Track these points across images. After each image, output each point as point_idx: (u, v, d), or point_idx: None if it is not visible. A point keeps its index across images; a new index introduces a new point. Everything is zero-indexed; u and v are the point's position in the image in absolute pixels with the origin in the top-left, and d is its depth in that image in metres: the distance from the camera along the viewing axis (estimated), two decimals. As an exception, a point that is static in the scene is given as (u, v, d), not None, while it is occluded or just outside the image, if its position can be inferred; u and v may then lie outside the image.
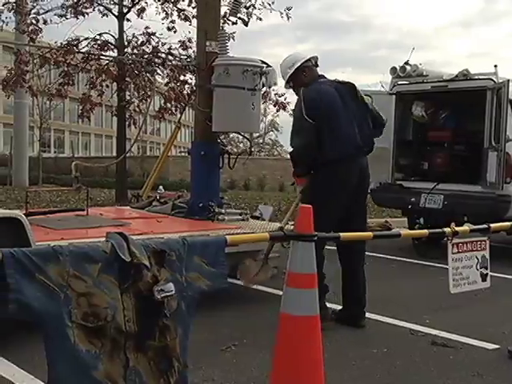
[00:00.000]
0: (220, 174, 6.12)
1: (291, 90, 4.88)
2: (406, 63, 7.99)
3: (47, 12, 12.41)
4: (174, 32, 12.91)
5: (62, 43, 12.32)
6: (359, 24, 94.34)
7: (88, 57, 12.47)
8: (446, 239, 3.42)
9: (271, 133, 49.88)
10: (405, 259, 7.52)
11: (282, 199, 14.21)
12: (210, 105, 5.85)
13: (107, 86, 13.45)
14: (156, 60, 12.43)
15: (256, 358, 3.67)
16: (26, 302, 1.93)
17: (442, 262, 3.92)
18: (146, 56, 12.69)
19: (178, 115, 11.51)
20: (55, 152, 42.26)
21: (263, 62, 5.77)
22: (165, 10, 12.74)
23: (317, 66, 4.77)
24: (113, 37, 12.83)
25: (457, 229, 3.36)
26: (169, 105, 13.52)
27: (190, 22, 12.40)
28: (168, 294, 2.19)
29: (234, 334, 4.16)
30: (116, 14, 12.92)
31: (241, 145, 36.54)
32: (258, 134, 39.59)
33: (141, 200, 6.78)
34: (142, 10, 12.92)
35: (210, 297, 2.45)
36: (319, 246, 3.31)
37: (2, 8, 11.99)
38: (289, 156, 4.81)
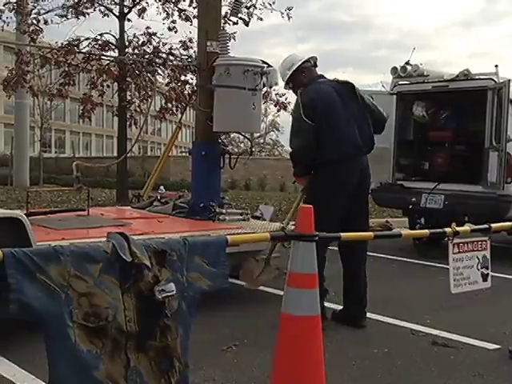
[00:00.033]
0: (221, 174, 6.13)
1: (291, 91, 4.88)
2: (407, 63, 7.99)
3: (48, 12, 12.46)
4: (175, 32, 12.94)
5: (62, 43, 12.33)
6: (360, 24, 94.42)
7: (89, 57, 12.48)
8: (446, 239, 3.42)
9: (272, 133, 49.98)
10: (405, 259, 7.52)
11: (283, 199, 14.22)
12: (210, 105, 5.86)
13: (108, 86, 13.46)
14: (157, 60, 12.44)
15: (257, 358, 3.67)
16: (26, 302, 1.93)
17: (443, 262, 3.93)
18: (146, 56, 12.70)
19: (179, 115, 11.49)
20: (56, 152, 42.19)
21: (264, 62, 5.77)
22: (166, 10, 12.76)
23: (316, 66, 4.76)
24: (114, 37, 12.84)
25: (458, 229, 3.36)
26: (170, 105, 13.52)
27: (191, 22, 12.41)
28: (169, 294, 2.19)
29: (235, 333, 4.16)
30: (117, 14, 12.92)
31: (241, 145, 36.58)
32: (258, 134, 39.68)
33: (142, 200, 6.78)
34: (143, 10, 12.93)
35: (211, 297, 2.45)
36: (321, 248, 3.29)
37: (3, 8, 12.03)
38: (289, 156, 4.81)
